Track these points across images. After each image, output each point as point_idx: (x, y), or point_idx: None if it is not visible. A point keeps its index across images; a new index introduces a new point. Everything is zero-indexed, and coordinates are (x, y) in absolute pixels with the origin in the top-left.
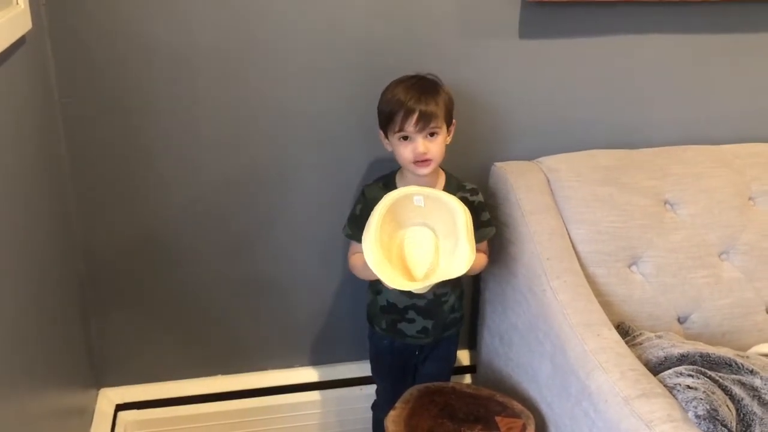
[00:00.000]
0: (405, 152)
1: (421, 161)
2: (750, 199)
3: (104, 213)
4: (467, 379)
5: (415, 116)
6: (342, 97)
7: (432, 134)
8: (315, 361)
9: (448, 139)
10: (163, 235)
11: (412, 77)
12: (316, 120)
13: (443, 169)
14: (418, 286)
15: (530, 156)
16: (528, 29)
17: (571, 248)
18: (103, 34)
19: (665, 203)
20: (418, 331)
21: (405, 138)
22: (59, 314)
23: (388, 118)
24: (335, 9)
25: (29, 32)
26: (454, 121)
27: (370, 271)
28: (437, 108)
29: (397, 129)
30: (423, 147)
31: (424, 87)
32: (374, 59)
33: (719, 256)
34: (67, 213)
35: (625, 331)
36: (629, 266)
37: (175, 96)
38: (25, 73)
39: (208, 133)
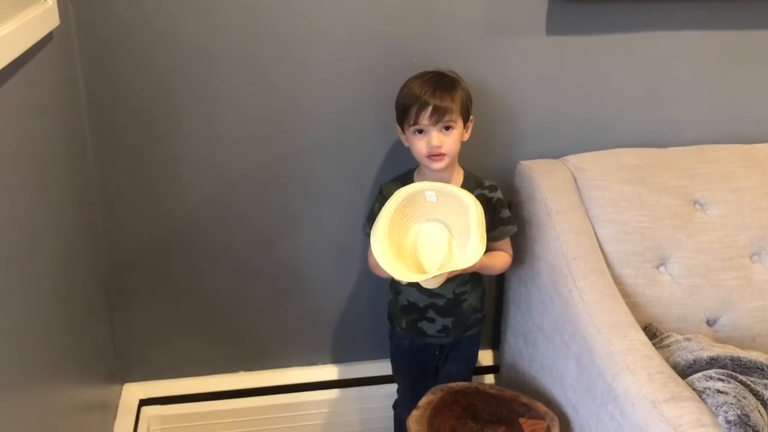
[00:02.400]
0: (419, 145)
1: (435, 155)
2: None
3: (128, 209)
4: (490, 379)
5: (429, 109)
6: (363, 94)
7: (447, 128)
8: (336, 359)
9: (466, 136)
10: (185, 233)
11: (430, 72)
12: (336, 117)
13: (462, 167)
14: (423, 278)
15: (556, 154)
16: (555, 26)
17: (598, 248)
18: (129, 31)
19: (694, 203)
20: (438, 331)
21: (420, 132)
22: (84, 310)
23: (404, 111)
24: (358, 6)
25: (57, 28)
26: (471, 117)
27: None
28: (452, 103)
29: (412, 122)
30: (437, 140)
31: (440, 81)
32: (398, 56)
33: (750, 258)
34: (92, 209)
35: (652, 333)
36: (657, 267)
37: (198, 93)
38: (52, 69)
39: (229, 130)
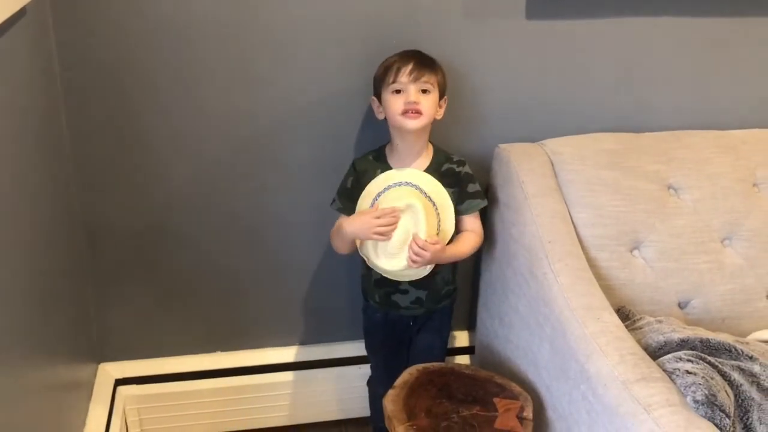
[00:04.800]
0: (396, 104)
1: (412, 111)
2: (755, 185)
3: (106, 188)
4: (466, 359)
5: (409, 67)
6: (341, 75)
7: (424, 91)
8: (313, 340)
9: (440, 113)
10: (164, 213)
11: (410, 50)
12: (315, 100)
13: (432, 143)
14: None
15: (535, 138)
16: (534, 9)
17: (574, 232)
18: (105, 7)
19: (669, 188)
20: (411, 302)
21: (398, 92)
22: (61, 290)
23: (383, 75)
24: None
25: (29, 3)
26: (445, 97)
27: (344, 241)
28: (431, 71)
29: (391, 80)
30: (414, 96)
31: (419, 53)
32: (377, 38)
33: (722, 242)
34: (68, 186)
35: (625, 315)
36: (631, 251)
37: (176, 71)
38: (26, 46)
39: (209, 109)
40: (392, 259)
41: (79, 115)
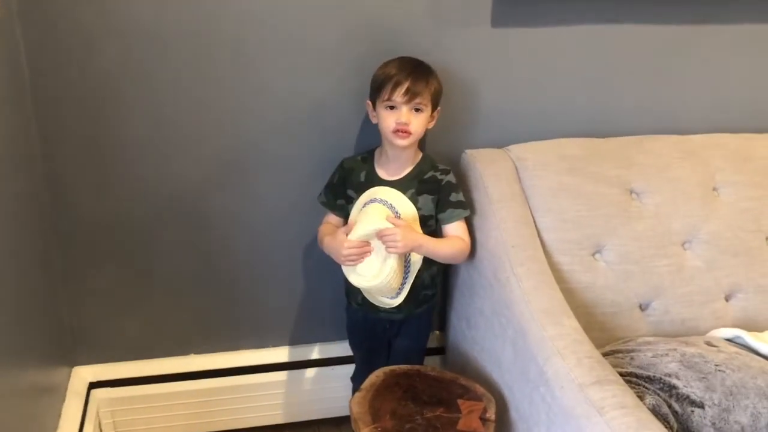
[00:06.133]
0: (388, 120)
1: (402, 131)
2: (714, 189)
3: (76, 194)
4: (438, 360)
5: (404, 87)
6: (312, 83)
7: (417, 110)
8: (287, 342)
9: (431, 124)
10: (136, 216)
11: (410, 57)
12: (289, 104)
13: (421, 150)
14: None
15: (502, 143)
16: (500, 17)
17: (537, 236)
18: (74, 16)
19: (631, 192)
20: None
21: (391, 108)
22: (33, 293)
23: (378, 87)
24: None
25: None
26: (438, 108)
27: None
28: (426, 88)
29: (385, 98)
30: (406, 117)
31: (417, 65)
32: (345, 46)
33: (682, 245)
34: (38, 192)
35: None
36: (593, 254)
37: (148, 77)
38: None
39: (181, 114)
40: (359, 278)
41: (50, 124)
